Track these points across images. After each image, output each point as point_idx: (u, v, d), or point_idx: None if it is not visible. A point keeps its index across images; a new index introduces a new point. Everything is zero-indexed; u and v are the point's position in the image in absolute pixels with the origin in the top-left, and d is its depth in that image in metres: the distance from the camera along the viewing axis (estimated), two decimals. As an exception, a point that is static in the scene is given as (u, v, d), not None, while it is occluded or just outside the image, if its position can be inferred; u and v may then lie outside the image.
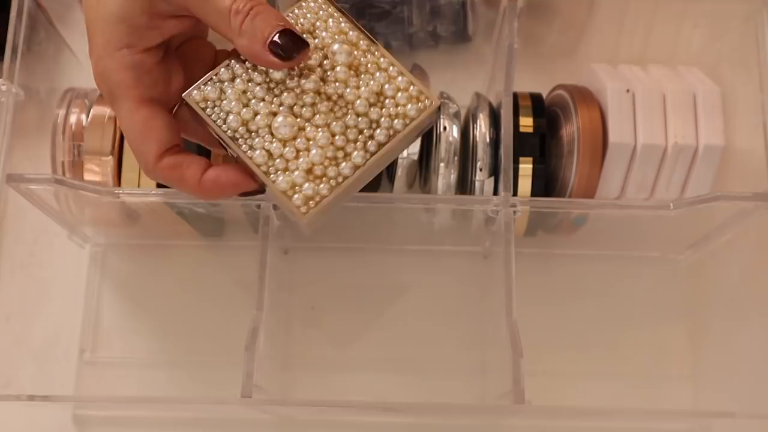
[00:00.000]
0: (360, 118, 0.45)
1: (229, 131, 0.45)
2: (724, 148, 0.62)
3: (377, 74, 0.46)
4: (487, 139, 0.62)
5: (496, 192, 0.62)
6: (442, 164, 0.62)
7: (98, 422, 0.70)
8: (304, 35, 0.45)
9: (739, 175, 0.67)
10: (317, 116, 0.45)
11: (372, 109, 0.45)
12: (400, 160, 0.63)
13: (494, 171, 0.62)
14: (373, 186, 0.60)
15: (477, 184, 0.62)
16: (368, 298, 0.72)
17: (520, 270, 0.60)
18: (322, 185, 0.45)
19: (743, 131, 0.68)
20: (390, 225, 0.69)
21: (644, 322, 0.72)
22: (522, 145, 0.62)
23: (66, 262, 0.73)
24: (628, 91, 0.62)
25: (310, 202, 0.45)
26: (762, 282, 0.69)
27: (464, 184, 0.64)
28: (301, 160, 0.45)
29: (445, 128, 0.62)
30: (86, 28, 0.44)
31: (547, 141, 0.64)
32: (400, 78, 0.46)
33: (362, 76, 0.46)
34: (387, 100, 0.45)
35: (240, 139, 0.45)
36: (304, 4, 0.47)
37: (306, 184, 0.44)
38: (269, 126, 0.45)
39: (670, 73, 0.66)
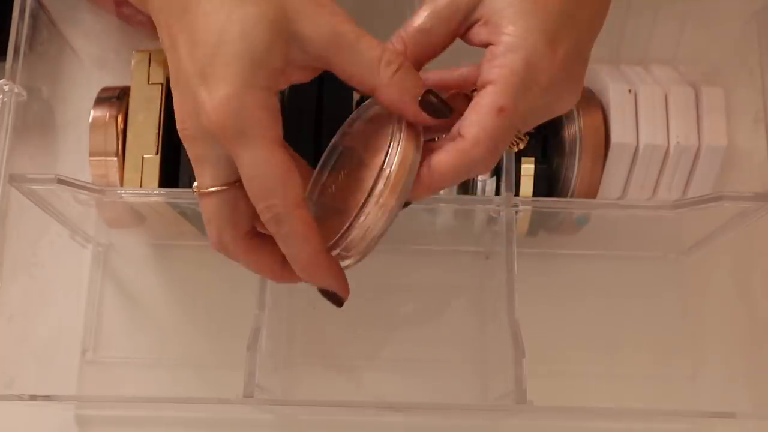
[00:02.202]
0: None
1: None
2: (726, 148, 0.62)
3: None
4: (489, 139, 0.62)
5: (498, 192, 0.62)
6: (443, 164, 0.62)
7: (100, 422, 0.70)
8: None
9: (741, 175, 0.67)
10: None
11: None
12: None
13: (496, 171, 0.62)
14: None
15: (479, 184, 0.62)
16: (370, 298, 0.72)
17: (522, 270, 0.60)
18: None
19: (745, 131, 0.68)
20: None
21: (646, 322, 0.72)
22: (524, 145, 0.62)
23: (68, 262, 0.73)
24: (630, 91, 0.62)
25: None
26: (763, 282, 0.69)
27: (466, 184, 0.64)
28: None
29: (447, 128, 0.62)
30: (191, 51, 0.40)
31: (549, 141, 0.64)
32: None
33: None
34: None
35: None
36: None
37: None
38: None
39: (672, 73, 0.66)
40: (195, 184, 0.43)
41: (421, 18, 0.43)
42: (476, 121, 0.41)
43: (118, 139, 0.62)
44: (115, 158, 0.62)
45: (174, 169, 0.63)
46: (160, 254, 0.74)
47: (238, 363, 0.57)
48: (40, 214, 0.63)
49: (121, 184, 0.62)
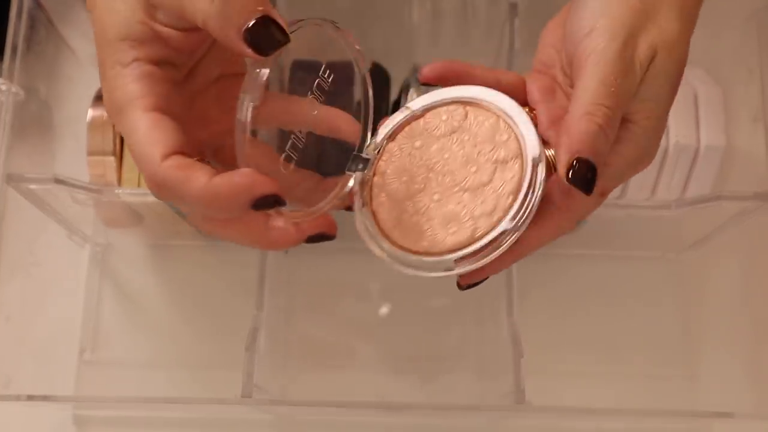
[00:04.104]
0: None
1: None
2: (724, 147, 0.62)
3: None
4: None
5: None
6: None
7: (98, 422, 0.70)
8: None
9: (740, 174, 0.67)
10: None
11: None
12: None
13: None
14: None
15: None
16: (369, 299, 0.72)
17: (520, 270, 0.60)
18: None
19: (744, 131, 0.68)
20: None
21: (644, 322, 0.72)
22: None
23: (66, 261, 0.73)
24: (628, 90, 0.62)
25: None
26: (763, 282, 0.69)
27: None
28: None
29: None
30: (96, 55, 0.42)
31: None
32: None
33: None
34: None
35: None
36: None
37: None
38: None
39: (670, 72, 0.66)
40: None
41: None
42: (581, 201, 0.41)
43: (115, 139, 0.62)
44: (113, 158, 0.62)
45: (172, 168, 0.63)
46: (158, 254, 0.73)
47: (236, 363, 0.57)
48: (38, 214, 0.63)
49: (119, 184, 0.62)
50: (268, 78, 0.39)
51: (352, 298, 0.73)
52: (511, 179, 0.41)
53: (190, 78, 0.43)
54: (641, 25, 0.40)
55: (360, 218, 0.43)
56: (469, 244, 0.41)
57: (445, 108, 0.44)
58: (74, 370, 0.71)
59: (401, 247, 0.42)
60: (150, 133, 0.38)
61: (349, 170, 0.44)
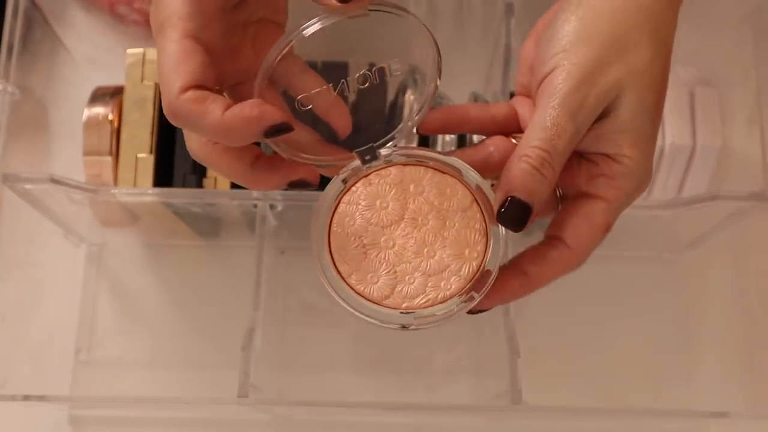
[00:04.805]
0: None
1: None
2: (720, 148, 0.63)
3: None
4: (484, 139, 0.62)
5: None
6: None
7: (94, 422, 0.70)
8: None
9: (736, 175, 0.67)
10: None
11: None
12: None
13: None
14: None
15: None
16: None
17: (517, 270, 0.60)
18: None
19: (739, 131, 0.68)
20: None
21: (641, 322, 0.72)
22: (519, 144, 0.62)
23: (62, 261, 0.73)
24: (625, 91, 0.62)
25: None
26: (758, 282, 0.69)
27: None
28: None
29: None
30: None
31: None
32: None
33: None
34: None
35: None
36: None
37: None
38: None
39: (667, 73, 0.66)
40: None
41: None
42: (586, 236, 0.42)
43: (112, 139, 0.62)
44: (109, 157, 0.62)
45: (168, 168, 0.63)
46: (153, 254, 0.73)
47: (233, 363, 0.57)
48: (34, 214, 0.63)
49: (115, 184, 0.62)
50: (311, 33, 0.40)
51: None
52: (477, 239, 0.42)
53: (236, 9, 0.44)
54: (607, 61, 0.41)
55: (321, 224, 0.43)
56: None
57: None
58: (70, 369, 0.71)
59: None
60: (176, 61, 0.40)
61: (358, 152, 0.43)
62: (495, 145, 0.44)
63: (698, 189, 0.63)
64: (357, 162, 0.43)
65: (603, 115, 0.41)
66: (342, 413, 0.69)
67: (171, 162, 0.63)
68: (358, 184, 0.43)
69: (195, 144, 0.42)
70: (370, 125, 0.45)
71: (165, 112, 0.40)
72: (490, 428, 0.70)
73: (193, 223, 0.69)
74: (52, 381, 0.70)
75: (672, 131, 0.62)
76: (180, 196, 0.61)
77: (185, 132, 0.43)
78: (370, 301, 0.42)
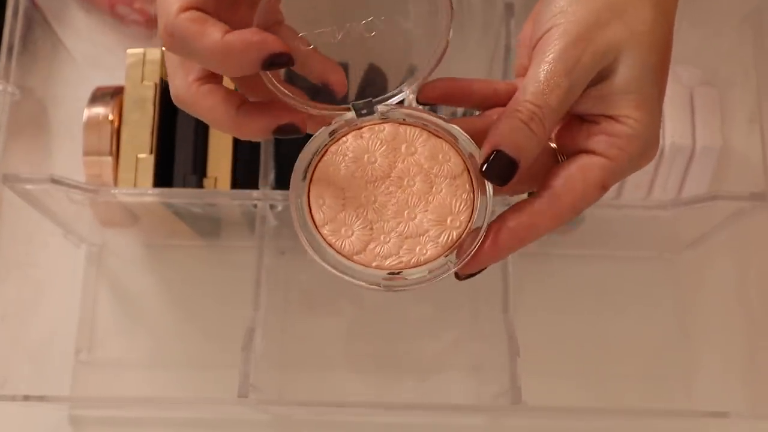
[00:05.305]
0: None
1: None
2: (720, 148, 0.63)
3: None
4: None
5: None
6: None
7: (94, 422, 0.70)
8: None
9: (736, 175, 0.67)
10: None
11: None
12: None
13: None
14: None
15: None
16: (365, 298, 0.72)
17: (517, 270, 0.60)
18: None
19: (740, 131, 0.68)
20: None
21: (641, 322, 0.72)
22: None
23: (62, 261, 0.73)
24: (625, 91, 0.62)
25: None
26: (758, 282, 0.69)
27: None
28: None
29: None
30: None
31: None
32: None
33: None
34: None
35: None
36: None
37: None
38: None
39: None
40: None
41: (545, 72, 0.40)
42: (580, 189, 0.40)
43: (112, 139, 0.62)
44: (110, 158, 0.62)
45: (168, 168, 0.63)
46: (153, 254, 0.73)
47: (233, 363, 0.57)
48: (34, 214, 0.63)
49: (116, 184, 0.62)
50: None
51: (348, 297, 0.73)
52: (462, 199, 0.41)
53: None
54: (605, 20, 0.39)
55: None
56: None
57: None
58: (70, 370, 0.71)
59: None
60: None
61: (354, 104, 0.41)
62: (498, 115, 0.42)
63: (698, 189, 0.63)
64: (351, 114, 0.41)
65: (604, 77, 0.40)
66: (342, 413, 0.69)
67: (171, 162, 0.63)
68: (348, 136, 0.42)
69: (179, 82, 0.40)
70: (371, 81, 0.44)
71: (161, 33, 0.38)
72: (490, 428, 0.70)
73: (194, 224, 0.69)
74: (52, 381, 0.70)
75: (672, 131, 0.62)
76: (180, 196, 0.61)
77: (169, 74, 0.41)
78: (339, 254, 0.40)
